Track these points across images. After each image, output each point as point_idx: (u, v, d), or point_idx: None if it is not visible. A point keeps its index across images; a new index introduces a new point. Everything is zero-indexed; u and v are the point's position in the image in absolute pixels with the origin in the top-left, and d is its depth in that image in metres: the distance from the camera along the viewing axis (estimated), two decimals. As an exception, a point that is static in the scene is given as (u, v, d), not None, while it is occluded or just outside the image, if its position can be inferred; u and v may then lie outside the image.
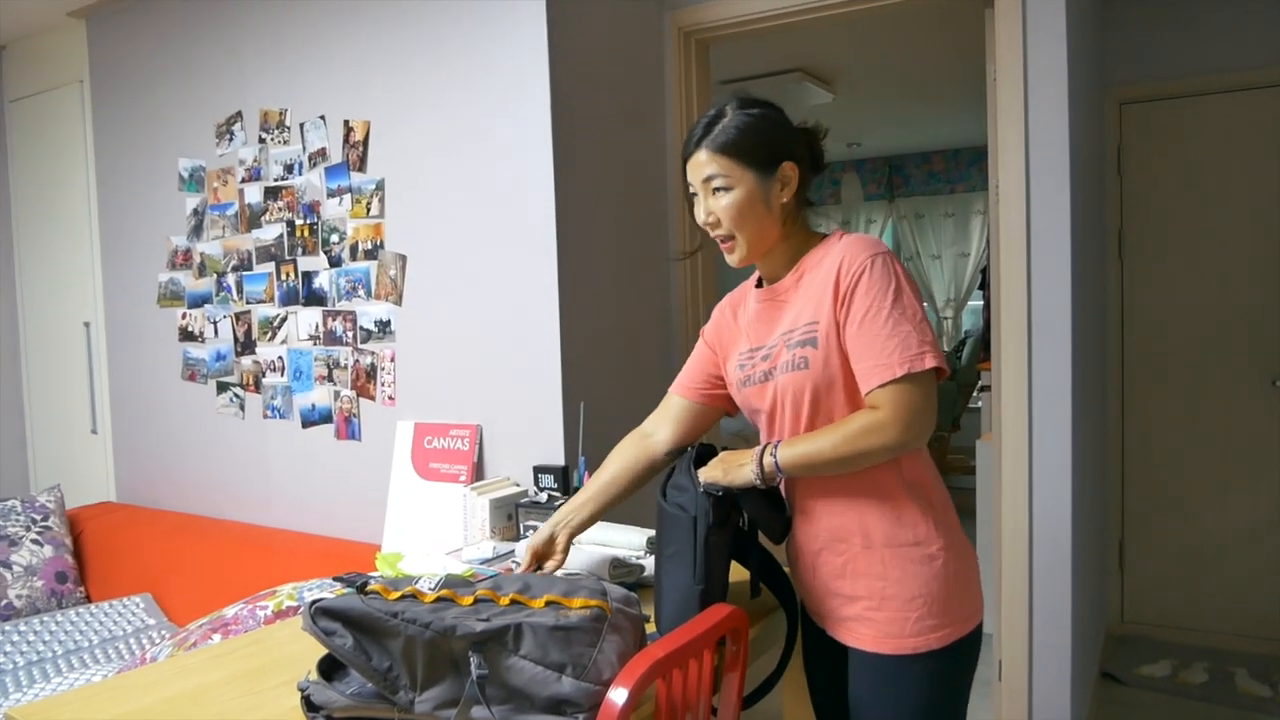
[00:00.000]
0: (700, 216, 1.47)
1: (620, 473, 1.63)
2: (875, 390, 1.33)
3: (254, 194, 2.86)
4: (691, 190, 1.49)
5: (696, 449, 1.53)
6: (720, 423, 1.84)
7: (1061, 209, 2.35)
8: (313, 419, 2.77)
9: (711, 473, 1.44)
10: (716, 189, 1.44)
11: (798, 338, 1.41)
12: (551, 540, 1.58)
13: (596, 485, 1.63)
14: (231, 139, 2.91)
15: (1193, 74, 3.48)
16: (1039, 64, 2.35)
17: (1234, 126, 3.47)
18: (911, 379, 1.31)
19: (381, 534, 2.52)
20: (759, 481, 1.40)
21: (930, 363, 1.31)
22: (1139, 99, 3.60)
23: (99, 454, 3.48)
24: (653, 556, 1.68)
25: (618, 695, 1.11)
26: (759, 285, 1.55)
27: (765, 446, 1.41)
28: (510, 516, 2.15)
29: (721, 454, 1.49)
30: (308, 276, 2.74)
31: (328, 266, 2.69)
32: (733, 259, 1.48)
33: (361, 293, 2.63)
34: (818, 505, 1.45)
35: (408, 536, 2.44)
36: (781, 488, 1.51)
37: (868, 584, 1.40)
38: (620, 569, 1.70)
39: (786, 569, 1.58)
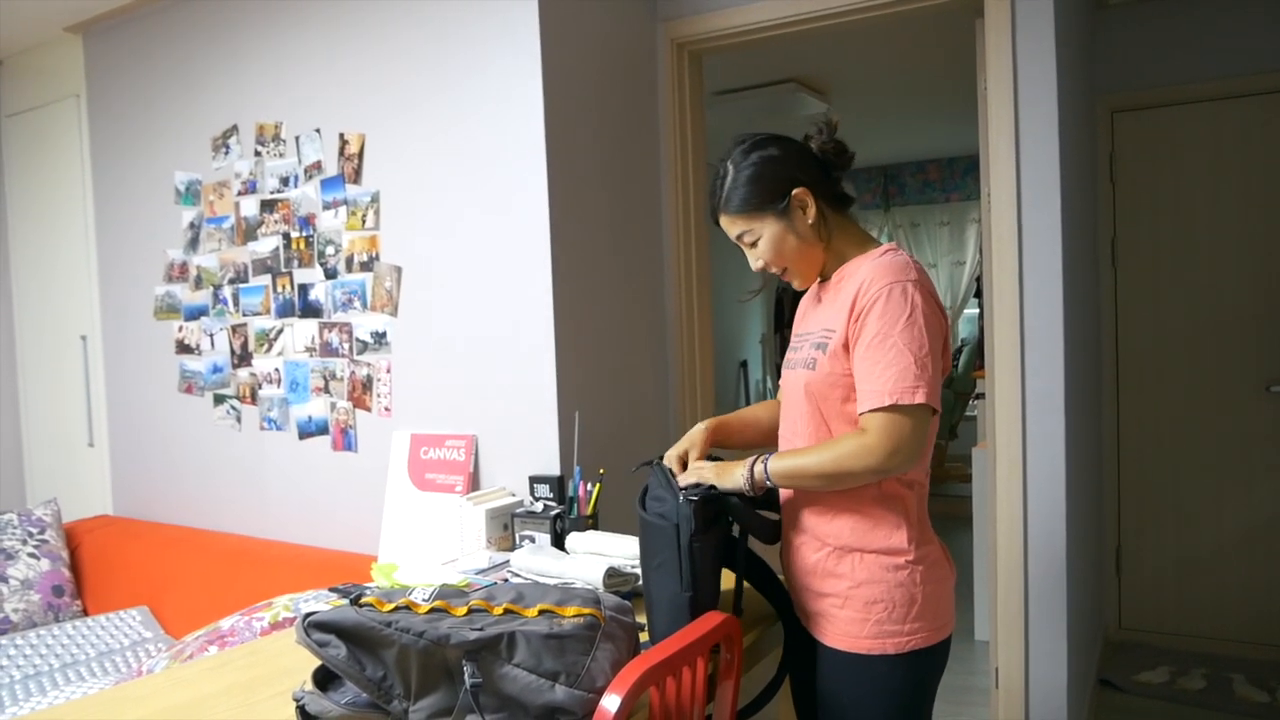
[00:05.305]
0: (753, 265, 1.57)
1: (762, 410, 1.73)
2: (866, 414, 1.38)
3: (250, 207, 2.87)
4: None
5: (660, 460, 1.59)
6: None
7: (1052, 217, 2.37)
8: (309, 430, 2.77)
9: (704, 474, 1.49)
10: (748, 243, 1.54)
11: (816, 339, 1.49)
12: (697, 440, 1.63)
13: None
14: (227, 152, 2.92)
15: (1184, 82, 3.50)
16: (1029, 74, 2.37)
17: (1226, 133, 3.49)
18: (903, 409, 1.35)
19: (378, 545, 2.52)
20: (748, 488, 1.45)
21: (920, 399, 1.34)
22: (1131, 107, 3.62)
23: (96, 467, 3.48)
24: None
25: (610, 703, 1.11)
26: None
27: (757, 456, 1.47)
28: (506, 526, 2.15)
29: (716, 463, 1.53)
30: (304, 289, 2.75)
31: (324, 279, 2.70)
32: (796, 285, 1.59)
33: (357, 304, 2.64)
34: (800, 503, 1.51)
35: (404, 547, 2.44)
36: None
37: (835, 583, 1.45)
38: (615, 578, 1.70)
39: (783, 576, 1.60)
